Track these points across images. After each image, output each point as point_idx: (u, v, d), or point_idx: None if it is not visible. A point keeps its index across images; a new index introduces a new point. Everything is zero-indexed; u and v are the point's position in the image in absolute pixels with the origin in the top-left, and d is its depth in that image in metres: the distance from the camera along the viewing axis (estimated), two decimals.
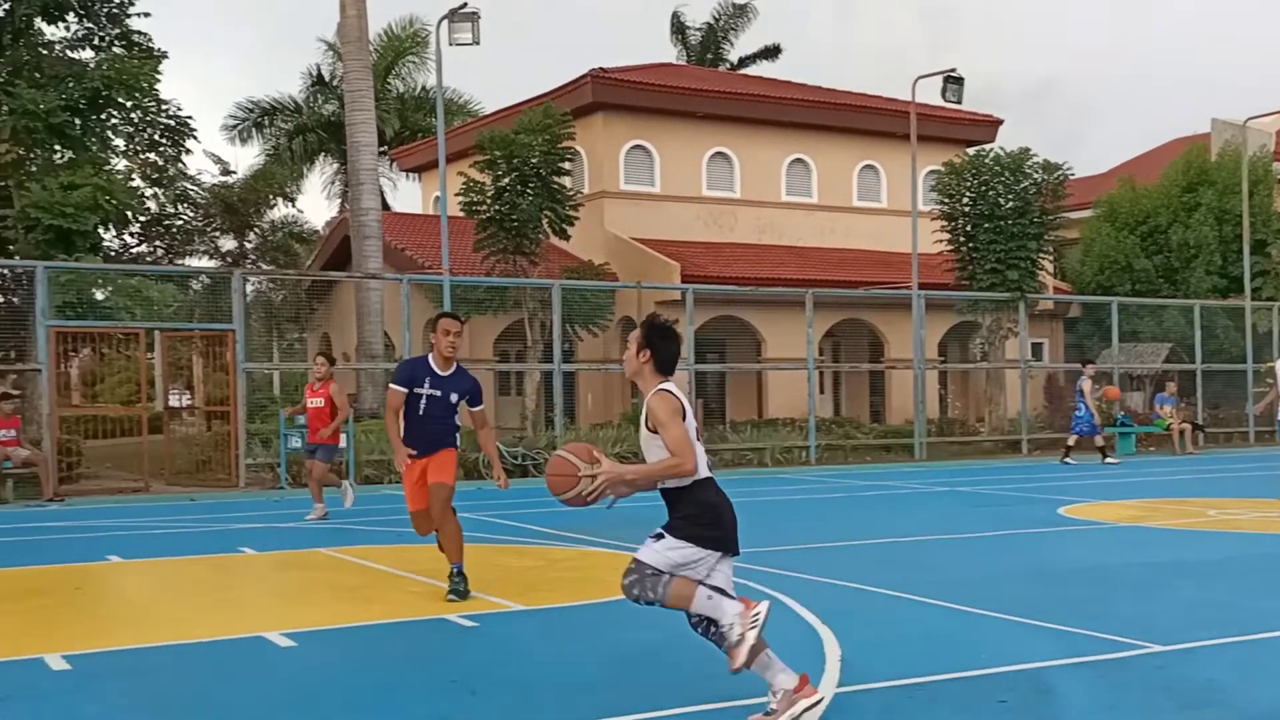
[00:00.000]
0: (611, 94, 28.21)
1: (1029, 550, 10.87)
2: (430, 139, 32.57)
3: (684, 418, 5.04)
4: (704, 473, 5.15)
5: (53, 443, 16.95)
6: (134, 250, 26.66)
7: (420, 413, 8.05)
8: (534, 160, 22.52)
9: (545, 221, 23.04)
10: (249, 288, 19.13)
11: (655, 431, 5.04)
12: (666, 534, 5.13)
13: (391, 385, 8.21)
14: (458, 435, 8.32)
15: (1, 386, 22.52)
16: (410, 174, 37.46)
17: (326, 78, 36.22)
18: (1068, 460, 21.55)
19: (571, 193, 23.84)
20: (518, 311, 23.38)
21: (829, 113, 31.29)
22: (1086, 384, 21.44)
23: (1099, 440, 21.84)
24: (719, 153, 29.91)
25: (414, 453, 8.13)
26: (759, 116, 30.07)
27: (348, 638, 7.22)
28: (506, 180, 22.61)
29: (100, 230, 21.25)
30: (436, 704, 5.70)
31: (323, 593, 8.73)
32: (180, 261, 28.32)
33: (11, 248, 20.57)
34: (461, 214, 23.45)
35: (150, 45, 21.63)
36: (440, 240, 21.14)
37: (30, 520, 13.93)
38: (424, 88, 37.50)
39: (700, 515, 5.13)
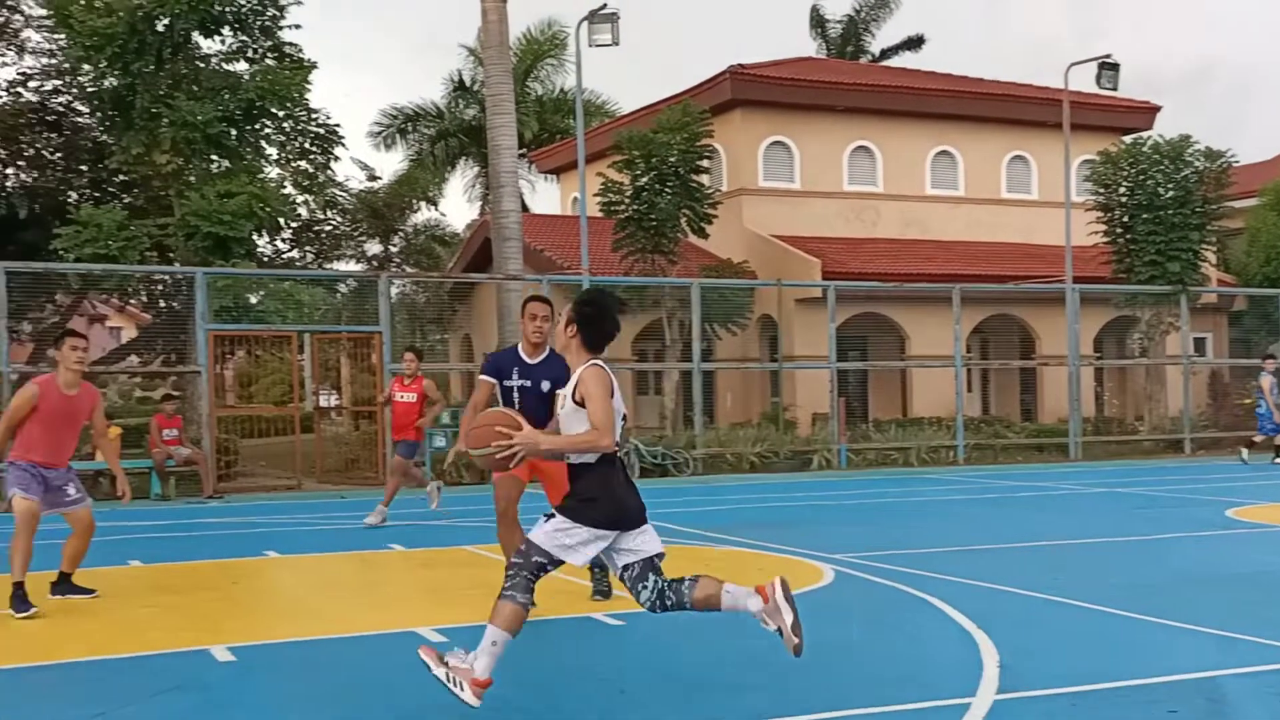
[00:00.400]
0: (750, 90, 27.99)
1: (1195, 554, 10.35)
2: (568, 140, 32.85)
3: (611, 395, 5.17)
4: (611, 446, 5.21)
5: (211, 442, 17.57)
6: (286, 255, 27.50)
7: (515, 408, 7.25)
8: (672, 159, 22.48)
9: (684, 220, 22.97)
10: (394, 290, 19.50)
11: (581, 405, 5.16)
12: (558, 514, 5.20)
13: (479, 376, 7.64)
14: None
15: (163, 388, 23.51)
16: (548, 175, 37.84)
17: (467, 83, 36.85)
18: (1276, 461, 20.36)
19: (710, 191, 23.72)
20: (656, 311, 23.37)
21: (976, 103, 30.49)
22: (1266, 380, 20.32)
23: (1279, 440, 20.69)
24: (861, 146, 29.42)
25: (465, 449, 7.64)
26: (902, 109, 29.46)
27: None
28: (645, 179, 22.63)
29: (255, 236, 21.97)
30: (589, 702, 5.69)
31: (470, 590, 8.81)
32: (329, 266, 29.13)
33: (172, 255, 21.39)
34: (600, 214, 23.56)
35: (301, 56, 22.22)
36: (579, 240, 21.26)
37: (191, 516, 14.46)
38: (562, 90, 37.85)
39: (595, 496, 5.20)
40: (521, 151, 30.49)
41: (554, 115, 37.45)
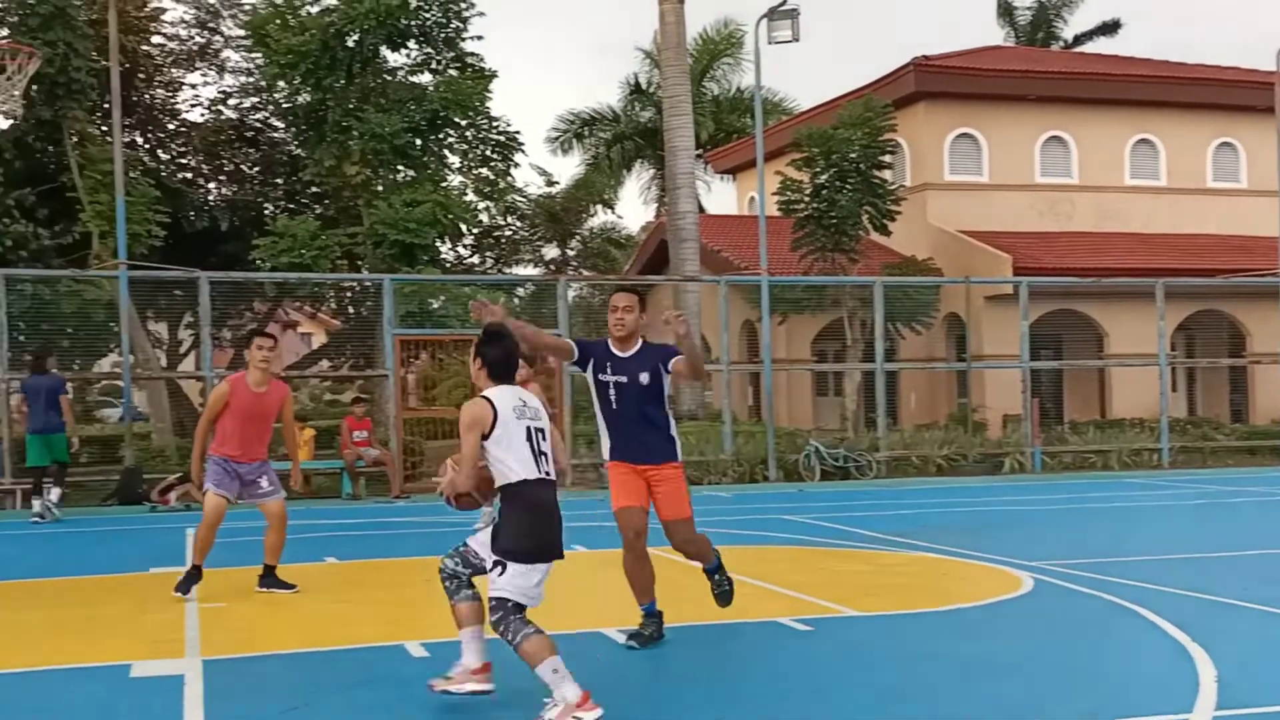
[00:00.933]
0: (935, 82, 27.22)
1: None
2: (745, 140, 32.61)
3: (490, 432, 5.22)
4: (519, 476, 5.27)
5: (398, 443, 18.04)
6: (467, 261, 28.11)
7: (614, 407, 6.71)
8: (853, 155, 22.01)
9: (865, 217, 22.47)
10: (571, 294, 19.65)
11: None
12: (499, 560, 5.29)
13: (568, 341, 7.10)
14: (676, 443, 6.85)
15: (351, 391, 24.29)
16: (724, 176, 37.69)
17: (643, 86, 37.05)
18: None
19: (893, 186, 23.15)
20: (836, 310, 22.92)
21: (1179, 88, 28.90)
22: None
23: None
24: (1054, 137, 28.25)
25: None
26: (1099, 96, 28.16)
27: (683, 637, 7.16)
28: (825, 177, 22.22)
29: (438, 243, 22.52)
30: (780, 705, 5.55)
31: (655, 591, 8.68)
32: (508, 270, 29.65)
33: (360, 262, 22.12)
34: (779, 213, 23.24)
35: (482, 66, 22.68)
36: (756, 241, 21.00)
37: (380, 515, 14.83)
38: (739, 89, 37.65)
39: (514, 529, 5.29)
40: (698, 152, 30.42)
41: (730, 115, 37.27)
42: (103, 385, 31.35)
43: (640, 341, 6.77)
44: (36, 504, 14.31)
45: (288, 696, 5.72)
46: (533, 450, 5.32)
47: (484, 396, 5.35)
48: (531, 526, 5.28)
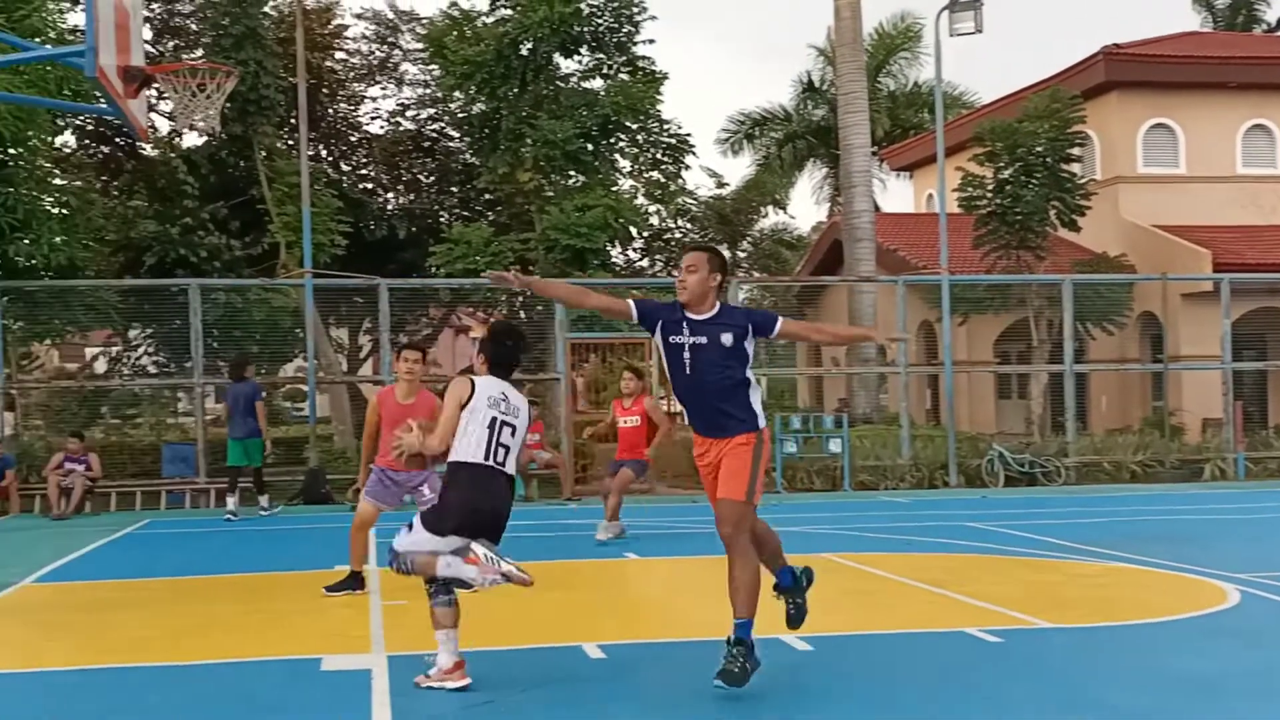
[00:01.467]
0: (1127, 71, 25.96)
1: None
2: (922, 136, 31.79)
3: (466, 403, 5.79)
4: (468, 457, 5.76)
5: (569, 446, 18.13)
6: (636, 264, 28.16)
7: (688, 371, 5.95)
8: (1039, 148, 21.14)
9: (1052, 213, 21.53)
10: (741, 295, 19.41)
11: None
12: (417, 522, 5.84)
13: (627, 301, 6.29)
14: (758, 412, 5.97)
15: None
16: (900, 173, 36.82)
17: (816, 83, 36.53)
18: None
19: (1082, 180, 22.14)
20: (1021, 310, 22.02)
21: None
22: None
23: None
24: (1257, 125, 26.59)
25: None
26: None
27: (865, 645, 6.97)
28: (1009, 171, 21.39)
29: (609, 247, 22.59)
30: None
31: (835, 598, 8.41)
32: (677, 273, 29.59)
33: (532, 267, 22.37)
34: (959, 210, 22.48)
35: (653, 69, 22.67)
36: (934, 239, 20.35)
37: (553, 517, 14.89)
38: (916, 84, 36.74)
39: (445, 500, 5.88)
40: (873, 149, 29.77)
41: (906, 110, 36.39)
42: (286, 389, 32.68)
43: (719, 305, 6.04)
44: (230, 502, 14.93)
45: (470, 693, 5.75)
46: (490, 438, 5.79)
47: (470, 377, 5.97)
48: (459, 505, 5.75)
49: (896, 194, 45.04)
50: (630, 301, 6.20)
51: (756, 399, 5.99)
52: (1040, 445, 19.58)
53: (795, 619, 6.36)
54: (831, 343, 5.93)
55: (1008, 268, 21.73)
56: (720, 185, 32.06)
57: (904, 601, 8.36)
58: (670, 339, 5.98)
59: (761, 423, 5.93)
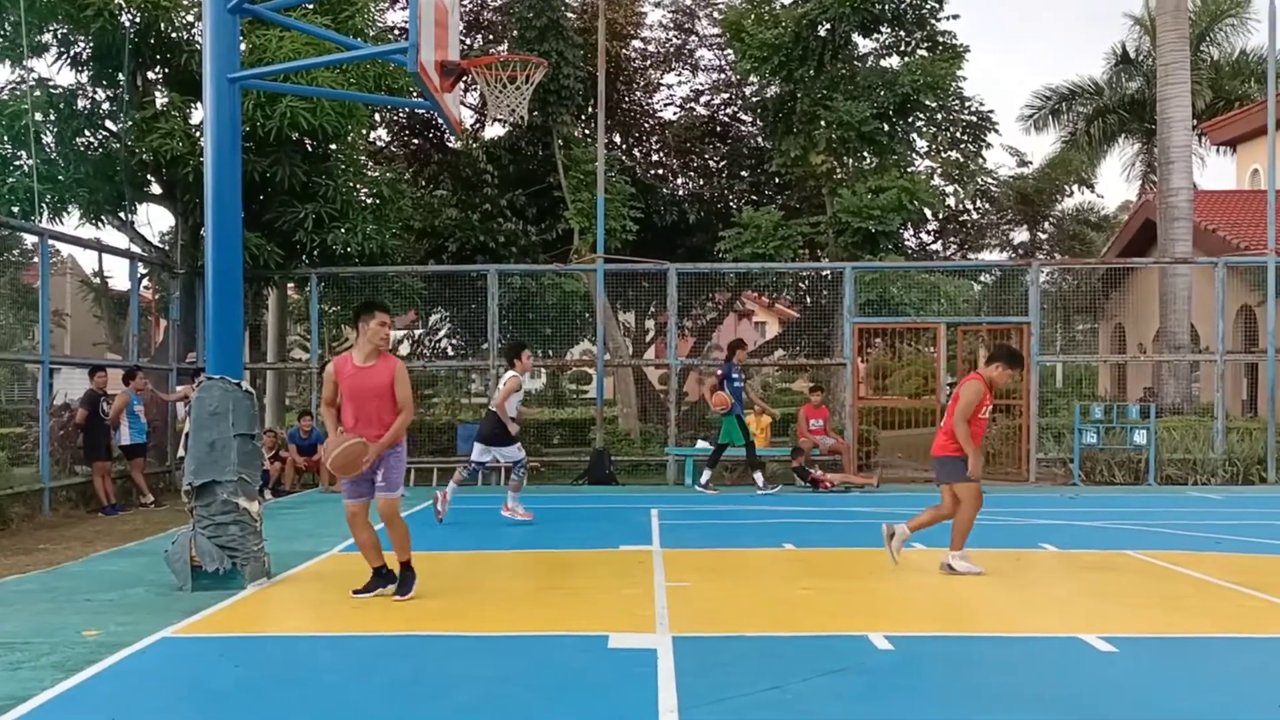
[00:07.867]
0: None
1: None
2: (1249, 107, 29.28)
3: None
4: None
5: (854, 432, 17.85)
6: (929, 248, 27.33)
7: None
8: None
9: None
10: (1041, 279, 18.45)
11: None
12: None
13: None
14: None
15: (800, 380, 24.36)
16: (1221, 148, 34.04)
17: (1132, 55, 34.29)
18: None
19: None
20: None
21: None
22: None
23: None
24: None
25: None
26: None
27: (1172, 648, 6.53)
28: None
29: (902, 230, 21.99)
30: None
31: (1139, 598, 7.91)
32: (973, 256, 28.49)
33: (820, 251, 22.09)
34: None
35: (954, 44, 21.87)
36: (1260, 217, 18.67)
37: (837, 504, 14.70)
38: (1243, 52, 33.84)
39: None
40: (1193, 123, 27.68)
41: (1231, 81, 33.56)
42: (572, 372, 33.80)
43: None
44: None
45: (756, 679, 5.72)
46: None
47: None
48: None
49: (1217, 171, 41.71)
50: None
51: None
52: None
53: None
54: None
55: None
56: (1022, 164, 30.72)
57: (1214, 604, 7.75)
58: None
59: None
